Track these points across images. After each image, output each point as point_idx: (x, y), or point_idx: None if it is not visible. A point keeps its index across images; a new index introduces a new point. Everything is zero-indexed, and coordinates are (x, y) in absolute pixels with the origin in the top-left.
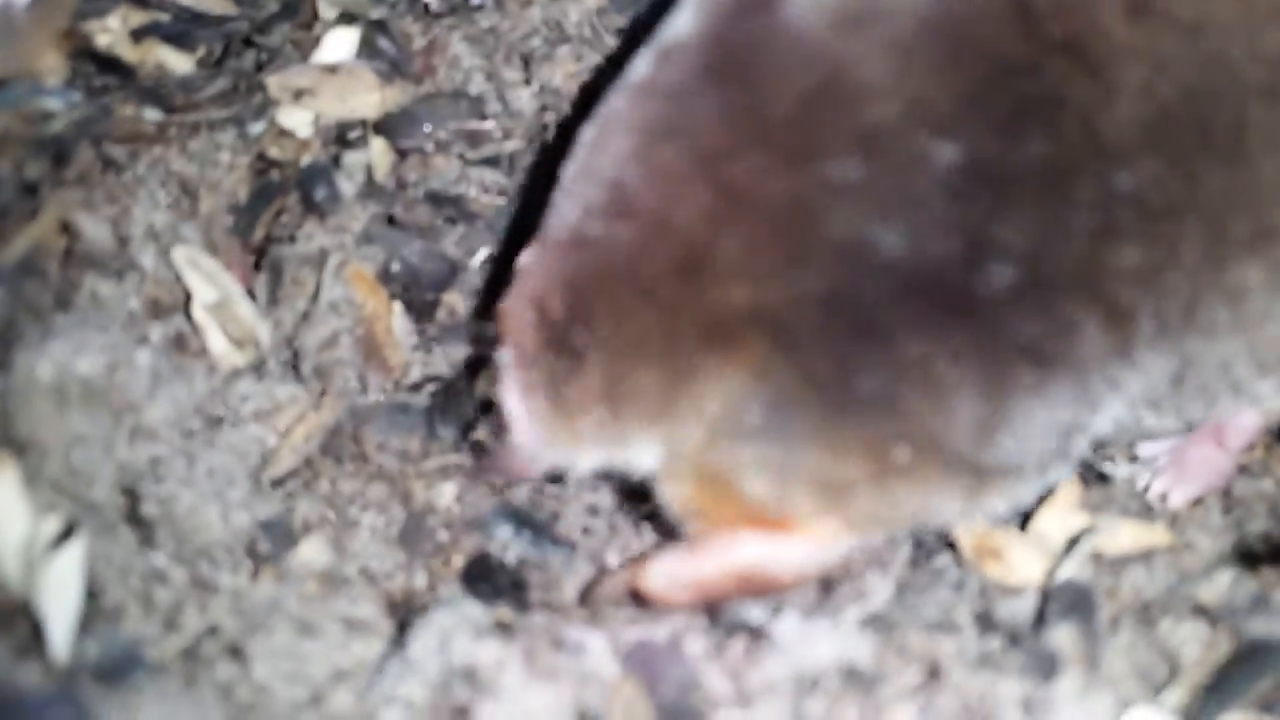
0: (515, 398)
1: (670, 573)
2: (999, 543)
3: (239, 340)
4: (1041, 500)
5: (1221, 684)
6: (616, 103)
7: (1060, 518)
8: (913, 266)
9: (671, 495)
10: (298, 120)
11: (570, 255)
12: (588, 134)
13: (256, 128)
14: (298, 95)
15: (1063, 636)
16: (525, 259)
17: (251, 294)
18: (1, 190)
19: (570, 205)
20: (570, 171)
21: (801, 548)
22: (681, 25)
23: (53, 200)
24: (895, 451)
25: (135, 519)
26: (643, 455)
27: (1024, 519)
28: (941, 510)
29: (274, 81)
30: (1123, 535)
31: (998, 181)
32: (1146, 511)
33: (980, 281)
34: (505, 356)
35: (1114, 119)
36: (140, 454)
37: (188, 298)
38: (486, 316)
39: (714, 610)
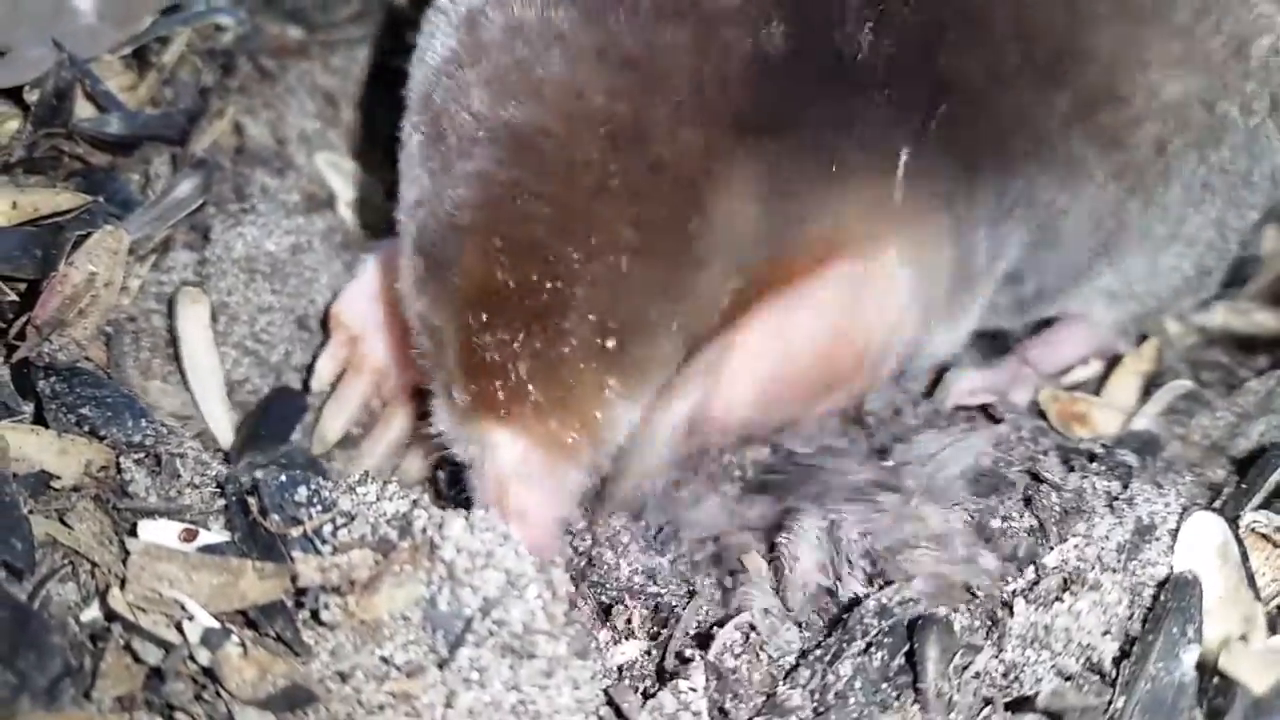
0: None
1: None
2: (1082, 408)
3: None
4: (1109, 370)
5: (1246, 487)
6: None
7: (1127, 383)
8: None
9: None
10: None
11: None
12: None
13: (388, 45)
14: None
15: (1134, 459)
16: None
17: (390, 195)
18: (184, 96)
19: None
20: None
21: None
22: None
23: (224, 104)
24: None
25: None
26: None
27: (1097, 387)
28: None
29: (404, 1)
30: (1181, 394)
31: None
32: (1200, 375)
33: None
34: None
35: None
36: (309, 332)
37: (333, 195)
38: None
39: None
